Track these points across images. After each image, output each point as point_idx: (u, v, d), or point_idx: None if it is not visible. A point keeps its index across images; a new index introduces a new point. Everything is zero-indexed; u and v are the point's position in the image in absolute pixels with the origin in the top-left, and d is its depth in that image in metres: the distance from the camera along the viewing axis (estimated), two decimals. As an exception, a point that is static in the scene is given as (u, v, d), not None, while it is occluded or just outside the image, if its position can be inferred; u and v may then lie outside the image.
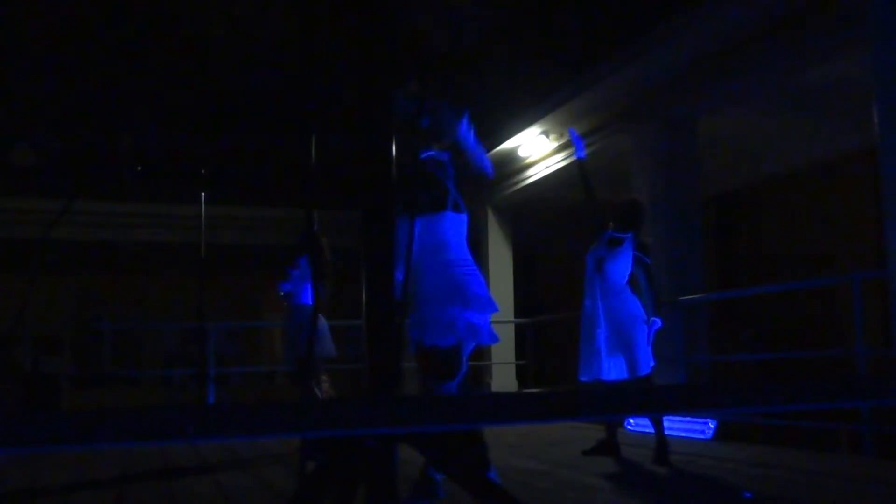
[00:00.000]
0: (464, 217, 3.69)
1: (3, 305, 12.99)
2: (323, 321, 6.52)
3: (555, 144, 10.45)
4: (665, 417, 6.93)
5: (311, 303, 6.53)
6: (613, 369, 5.42)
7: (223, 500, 4.41)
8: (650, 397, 1.39)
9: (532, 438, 7.40)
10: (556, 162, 10.66)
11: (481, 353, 11.87)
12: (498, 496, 1.42)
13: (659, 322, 5.49)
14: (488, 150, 10.76)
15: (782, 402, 1.54)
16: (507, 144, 10.58)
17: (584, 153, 5.95)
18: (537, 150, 10.76)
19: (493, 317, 3.64)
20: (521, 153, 10.96)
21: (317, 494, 1.35)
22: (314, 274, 6.52)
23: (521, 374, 12.67)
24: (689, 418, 7.17)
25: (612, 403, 1.31)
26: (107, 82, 10.81)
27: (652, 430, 7.11)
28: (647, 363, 5.43)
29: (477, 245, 12.89)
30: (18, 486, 5.17)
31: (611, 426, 5.85)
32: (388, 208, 1.69)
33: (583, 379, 5.58)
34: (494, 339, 3.61)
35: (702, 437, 6.94)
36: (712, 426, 7.03)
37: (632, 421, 7.80)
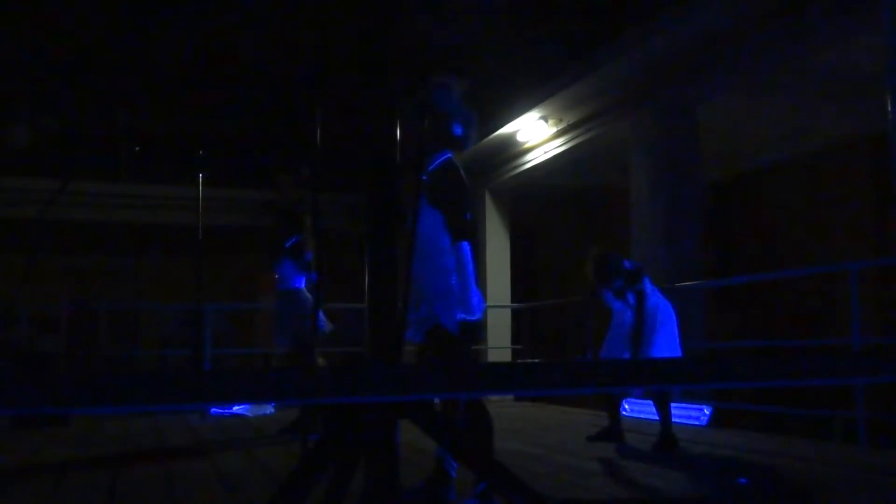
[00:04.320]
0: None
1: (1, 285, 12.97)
2: (310, 300, 6.52)
3: (553, 129, 10.42)
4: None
5: (301, 286, 6.55)
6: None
7: (218, 478, 4.42)
8: (648, 369, 1.39)
9: (526, 423, 7.42)
10: (555, 147, 10.64)
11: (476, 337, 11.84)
12: (500, 474, 1.42)
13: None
14: (485, 137, 10.75)
15: (778, 377, 1.54)
16: (505, 129, 10.55)
17: None
18: (536, 135, 10.72)
19: (490, 300, 3.68)
20: (519, 138, 10.92)
21: (318, 468, 1.35)
22: (300, 261, 6.52)
23: (517, 359, 12.69)
24: (684, 404, 7.20)
25: (614, 374, 1.31)
26: (105, 63, 10.76)
27: (647, 417, 7.15)
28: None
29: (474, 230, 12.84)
30: (16, 464, 5.18)
31: (613, 413, 5.88)
32: (392, 192, 1.69)
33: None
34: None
35: (697, 423, 6.96)
36: (708, 413, 7.05)
37: (626, 406, 7.83)
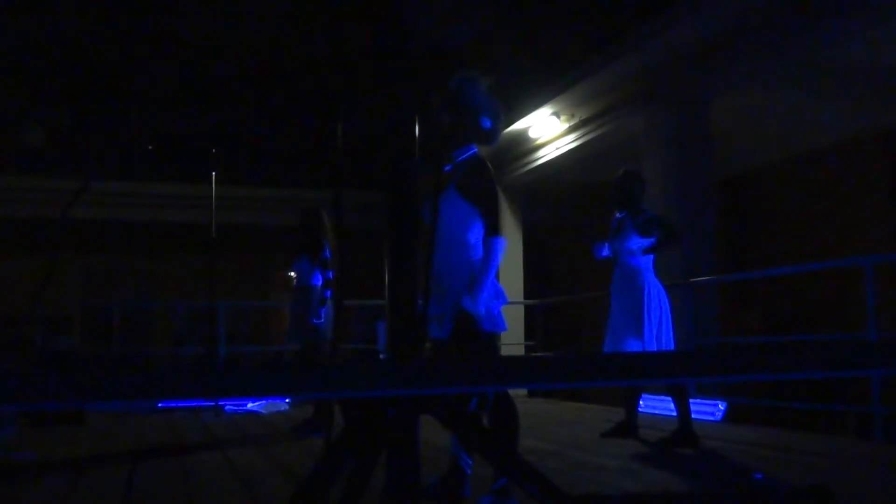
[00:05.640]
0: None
1: (14, 285, 13.04)
2: (327, 304, 6.54)
3: (566, 125, 10.40)
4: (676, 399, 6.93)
5: (317, 284, 6.57)
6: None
7: (233, 474, 4.44)
8: (663, 363, 1.38)
9: (540, 419, 7.42)
10: (567, 143, 10.62)
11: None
12: (523, 471, 1.42)
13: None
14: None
15: (793, 369, 1.53)
16: (517, 125, 10.53)
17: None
18: (548, 130, 10.70)
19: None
20: (531, 134, 10.91)
21: (339, 463, 1.35)
22: (315, 256, 6.54)
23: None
24: (699, 400, 7.18)
25: (637, 368, 1.30)
26: (120, 59, 10.79)
27: (662, 412, 7.13)
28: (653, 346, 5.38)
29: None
30: (34, 461, 5.21)
31: (630, 408, 5.85)
32: (412, 188, 1.69)
33: None
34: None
35: (712, 418, 6.94)
36: (722, 408, 7.03)
37: (641, 402, 7.80)
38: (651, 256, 5.53)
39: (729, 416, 6.98)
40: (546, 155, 11.16)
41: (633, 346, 5.37)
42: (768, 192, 12.27)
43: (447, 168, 3.50)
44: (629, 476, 4.22)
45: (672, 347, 5.44)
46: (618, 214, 5.68)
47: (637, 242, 5.48)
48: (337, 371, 1.16)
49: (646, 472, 4.36)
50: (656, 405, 7.44)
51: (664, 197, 8.66)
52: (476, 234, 3.43)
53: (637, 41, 8.18)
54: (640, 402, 7.35)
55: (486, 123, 3.51)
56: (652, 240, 5.49)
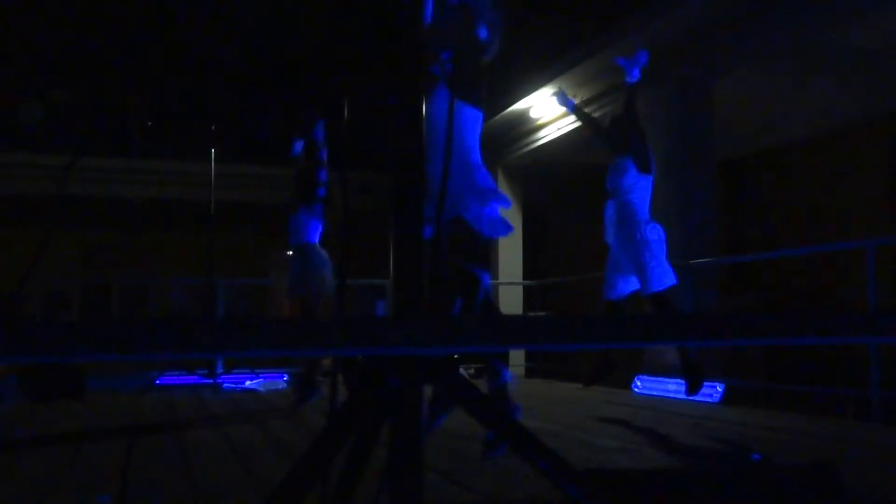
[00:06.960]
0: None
1: (13, 261, 13.02)
2: (324, 255, 6.53)
3: (567, 106, 10.34)
4: (673, 381, 6.93)
5: (315, 240, 6.57)
6: (625, 285, 5.43)
7: (231, 450, 4.44)
8: (665, 324, 1.37)
9: (539, 399, 7.42)
10: (568, 124, 10.57)
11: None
12: (519, 435, 1.40)
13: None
14: (500, 112, 10.68)
15: (791, 334, 1.52)
16: (519, 105, 10.49)
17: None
18: (550, 111, 10.65)
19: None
20: (533, 114, 10.86)
21: (342, 436, 1.34)
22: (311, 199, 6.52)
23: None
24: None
25: (641, 329, 1.29)
26: (118, 36, 10.72)
27: (660, 394, 7.14)
28: (660, 281, 5.31)
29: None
30: (33, 436, 5.21)
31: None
32: (418, 167, 1.66)
33: (606, 298, 5.57)
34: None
35: (709, 400, 6.95)
36: (720, 390, 7.04)
37: (639, 383, 7.82)
38: (647, 194, 5.51)
39: (727, 399, 6.99)
40: (547, 135, 11.12)
41: (632, 283, 5.40)
42: (769, 174, 12.24)
43: (435, 69, 3.30)
44: (629, 456, 4.22)
45: (673, 282, 5.37)
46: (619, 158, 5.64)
47: (634, 177, 5.45)
48: (338, 324, 1.14)
49: (644, 452, 4.36)
50: (654, 387, 7.45)
51: (665, 178, 8.62)
52: (472, 135, 3.31)
53: (640, 21, 8.13)
54: (638, 384, 7.36)
55: (483, 34, 3.35)
56: (650, 176, 5.49)
